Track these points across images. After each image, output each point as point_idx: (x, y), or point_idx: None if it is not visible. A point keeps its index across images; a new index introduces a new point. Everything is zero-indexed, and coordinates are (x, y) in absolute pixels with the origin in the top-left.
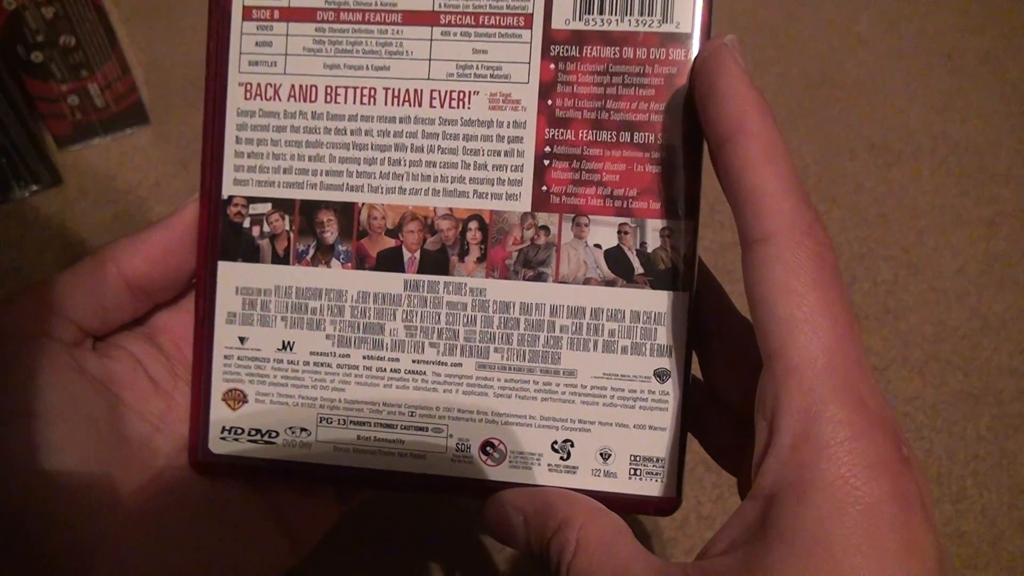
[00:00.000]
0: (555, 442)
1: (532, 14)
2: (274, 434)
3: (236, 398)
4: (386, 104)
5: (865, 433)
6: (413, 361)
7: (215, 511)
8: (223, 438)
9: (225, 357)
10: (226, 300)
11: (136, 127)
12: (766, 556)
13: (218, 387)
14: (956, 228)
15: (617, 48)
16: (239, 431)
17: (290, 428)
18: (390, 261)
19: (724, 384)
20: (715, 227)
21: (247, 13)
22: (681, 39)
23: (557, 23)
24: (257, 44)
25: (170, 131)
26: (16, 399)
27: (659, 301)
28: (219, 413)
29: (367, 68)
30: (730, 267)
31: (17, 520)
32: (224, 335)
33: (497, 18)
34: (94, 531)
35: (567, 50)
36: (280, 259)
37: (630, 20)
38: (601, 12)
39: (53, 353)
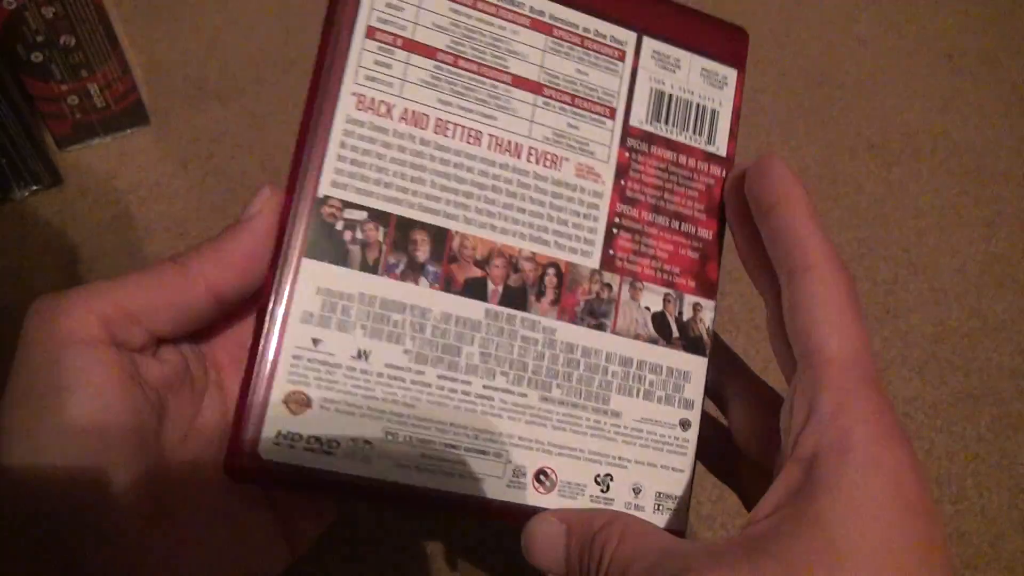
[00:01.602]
0: (598, 475)
1: (616, 108)
2: (335, 444)
3: (299, 402)
4: (489, 149)
5: (885, 411)
6: (484, 387)
7: (224, 515)
8: (277, 444)
9: (294, 357)
10: (305, 298)
11: (136, 127)
12: (813, 505)
13: (280, 388)
14: (956, 228)
15: (676, 153)
16: (296, 437)
17: (352, 439)
18: (475, 289)
19: (741, 428)
20: None
21: (371, 32)
22: (719, 159)
23: (634, 121)
24: (376, 62)
25: (170, 131)
26: (75, 411)
27: (688, 362)
28: (277, 416)
29: (476, 113)
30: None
31: (65, 534)
32: (297, 334)
33: (588, 103)
34: (136, 544)
35: (640, 144)
36: (369, 268)
37: (686, 135)
38: (667, 123)
39: (117, 363)
